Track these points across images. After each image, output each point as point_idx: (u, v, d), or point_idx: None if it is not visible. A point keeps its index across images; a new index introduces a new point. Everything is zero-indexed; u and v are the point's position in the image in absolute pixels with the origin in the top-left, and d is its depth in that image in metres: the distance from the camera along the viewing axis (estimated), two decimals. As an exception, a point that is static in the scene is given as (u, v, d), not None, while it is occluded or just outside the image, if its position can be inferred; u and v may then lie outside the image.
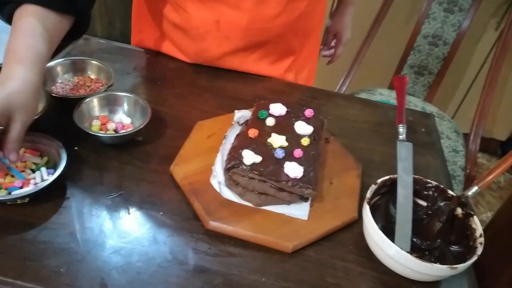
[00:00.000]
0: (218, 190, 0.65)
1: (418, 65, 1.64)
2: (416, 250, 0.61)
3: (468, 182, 1.32)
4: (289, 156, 0.65)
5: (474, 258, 0.55)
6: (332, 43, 1.18)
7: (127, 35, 1.01)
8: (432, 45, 1.59)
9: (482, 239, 0.58)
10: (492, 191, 2.08)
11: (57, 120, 0.74)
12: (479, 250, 0.56)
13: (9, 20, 0.65)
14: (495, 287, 1.30)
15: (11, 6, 0.64)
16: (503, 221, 1.36)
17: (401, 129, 0.70)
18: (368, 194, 0.61)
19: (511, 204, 1.35)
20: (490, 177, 0.61)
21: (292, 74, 1.00)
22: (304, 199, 0.65)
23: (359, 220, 0.65)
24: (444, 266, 0.53)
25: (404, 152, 0.67)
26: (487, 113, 1.48)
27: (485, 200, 2.03)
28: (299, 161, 0.65)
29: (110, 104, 0.76)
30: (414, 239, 0.62)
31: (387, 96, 1.61)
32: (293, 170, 0.63)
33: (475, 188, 0.62)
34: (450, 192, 0.64)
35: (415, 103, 1.63)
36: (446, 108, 2.13)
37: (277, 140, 0.67)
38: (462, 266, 0.54)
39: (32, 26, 0.62)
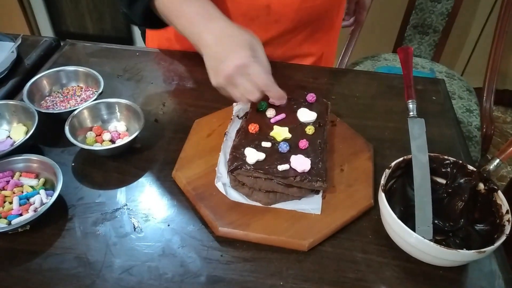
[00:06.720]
0: (224, 192, 0.62)
1: (422, 24, 1.57)
2: (439, 233, 0.58)
3: (485, 142, 1.27)
4: (294, 149, 0.62)
5: (503, 238, 0.52)
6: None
7: (119, 29, 0.95)
8: (435, 2, 1.51)
9: (509, 216, 0.54)
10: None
11: (50, 137, 0.71)
12: (507, 228, 0.53)
13: (143, 16, 0.71)
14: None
15: None
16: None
17: (411, 105, 0.65)
18: (383, 180, 0.57)
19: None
20: (512, 148, 0.57)
21: (328, 50, 0.96)
22: (315, 191, 0.62)
23: (375, 206, 0.62)
24: (471, 252, 0.50)
25: (417, 130, 0.63)
26: (499, 66, 1.41)
27: (503, 154, 1.97)
28: (305, 152, 0.61)
29: (103, 112, 0.72)
30: (436, 221, 0.59)
31: (392, 61, 1.55)
32: (300, 163, 0.59)
33: (496, 161, 0.57)
34: (470, 167, 0.60)
35: (422, 64, 1.57)
36: (454, 65, 2.05)
37: (280, 133, 0.63)
38: (490, 249, 0.50)
39: None
